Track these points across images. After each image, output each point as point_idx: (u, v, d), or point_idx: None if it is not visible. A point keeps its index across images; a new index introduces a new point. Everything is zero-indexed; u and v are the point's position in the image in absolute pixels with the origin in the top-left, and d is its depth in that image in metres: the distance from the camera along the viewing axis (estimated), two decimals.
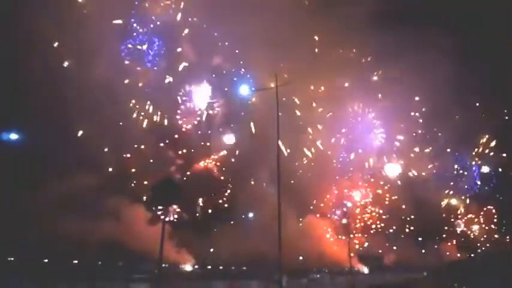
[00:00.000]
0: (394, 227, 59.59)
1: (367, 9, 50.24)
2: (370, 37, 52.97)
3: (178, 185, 35.05)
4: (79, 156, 41.56)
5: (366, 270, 56.17)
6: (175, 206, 44.18)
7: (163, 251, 16.93)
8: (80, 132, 43.64)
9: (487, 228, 62.75)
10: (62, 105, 41.20)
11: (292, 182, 53.46)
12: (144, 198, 45.86)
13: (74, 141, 41.80)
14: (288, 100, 49.82)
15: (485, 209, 63.28)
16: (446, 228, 62.71)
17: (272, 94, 28.33)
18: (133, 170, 48.12)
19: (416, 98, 60.17)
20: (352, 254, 50.99)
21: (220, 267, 49.20)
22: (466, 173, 63.56)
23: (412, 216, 59.52)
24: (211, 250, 49.23)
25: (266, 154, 46.54)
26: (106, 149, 45.33)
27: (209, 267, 49.62)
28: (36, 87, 39.65)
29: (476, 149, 63.64)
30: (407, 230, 59.69)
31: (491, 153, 62.90)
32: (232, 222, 51.08)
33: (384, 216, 59.29)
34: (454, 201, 63.76)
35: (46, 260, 39.04)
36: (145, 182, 47.15)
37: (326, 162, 58.68)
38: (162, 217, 18.31)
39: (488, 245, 61.72)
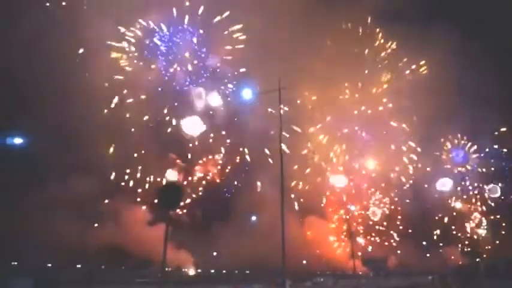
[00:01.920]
0: (398, 231, 59.36)
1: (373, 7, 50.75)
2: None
3: (182, 190, 34.61)
4: (80, 160, 41.59)
5: (370, 273, 55.82)
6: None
7: (166, 255, 16.84)
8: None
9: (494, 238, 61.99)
10: (62, 109, 41.41)
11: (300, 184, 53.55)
12: (147, 200, 45.94)
13: (75, 145, 41.73)
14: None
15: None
16: (451, 232, 62.15)
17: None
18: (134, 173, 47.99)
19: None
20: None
21: (224, 271, 49.00)
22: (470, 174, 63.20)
23: (416, 220, 59.16)
24: (214, 254, 49.08)
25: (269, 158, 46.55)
26: (108, 152, 45.40)
27: (212, 270, 49.45)
28: (37, 92, 39.85)
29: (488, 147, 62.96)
30: (411, 234, 59.23)
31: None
32: (235, 225, 50.94)
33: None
34: (458, 205, 63.24)
35: (49, 265, 38.98)
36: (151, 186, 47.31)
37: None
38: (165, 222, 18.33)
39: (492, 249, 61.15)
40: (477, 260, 55.67)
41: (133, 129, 47.31)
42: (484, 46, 52.40)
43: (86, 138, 42.19)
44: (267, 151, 50.18)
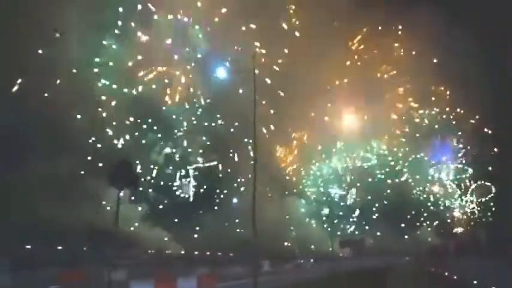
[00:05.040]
0: (376, 214, 60.93)
1: None
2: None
3: (134, 168, 33.74)
4: (58, 138, 40.88)
5: (348, 255, 57.24)
6: None
7: (115, 230, 17.65)
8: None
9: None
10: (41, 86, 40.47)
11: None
12: None
13: (53, 123, 40.91)
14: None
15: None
16: (426, 214, 64.08)
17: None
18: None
19: None
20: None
21: (207, 253, 49.43)
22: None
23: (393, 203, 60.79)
24: (196, 236, 49.43)
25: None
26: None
27: (196, 252, 49.82)
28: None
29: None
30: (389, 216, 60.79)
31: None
32: (216, 207, 51.33)
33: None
34: (435, 189, 65.02)
35: (28, 246, 38.58)
36: None
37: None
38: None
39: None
40: (449, 240, 58.14)
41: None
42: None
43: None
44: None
